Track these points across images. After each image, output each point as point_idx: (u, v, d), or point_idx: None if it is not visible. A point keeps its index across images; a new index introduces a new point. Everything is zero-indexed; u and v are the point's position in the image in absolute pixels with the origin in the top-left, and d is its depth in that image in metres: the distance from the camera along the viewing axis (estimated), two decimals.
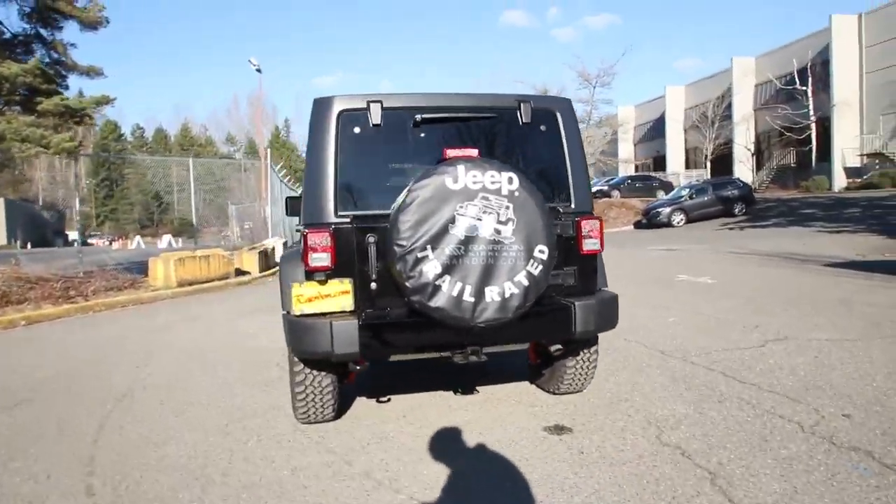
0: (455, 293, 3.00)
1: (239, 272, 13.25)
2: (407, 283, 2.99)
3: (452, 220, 3.00)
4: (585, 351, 3.85)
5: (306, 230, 3.21)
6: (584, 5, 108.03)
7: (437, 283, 2.98)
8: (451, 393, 4.28)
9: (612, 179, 33.93)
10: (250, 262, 13.98)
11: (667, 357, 5.02)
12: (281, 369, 5.23)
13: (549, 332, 3.47)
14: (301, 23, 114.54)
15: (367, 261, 3.24)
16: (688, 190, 25.83)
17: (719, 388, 4.11)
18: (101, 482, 3.08)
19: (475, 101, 3.63)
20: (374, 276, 3.24)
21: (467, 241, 3.01)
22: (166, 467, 3.24)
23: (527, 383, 4.46)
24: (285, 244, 18.39)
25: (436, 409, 4.00)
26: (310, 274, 3.22)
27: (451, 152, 3.20)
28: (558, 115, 3.62)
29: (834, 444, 3.11)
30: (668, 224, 24.38)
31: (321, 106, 3.36)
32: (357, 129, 3.34)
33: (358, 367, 3.37)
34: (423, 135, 3.44)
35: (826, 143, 32.65)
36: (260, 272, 13.87)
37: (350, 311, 3.23)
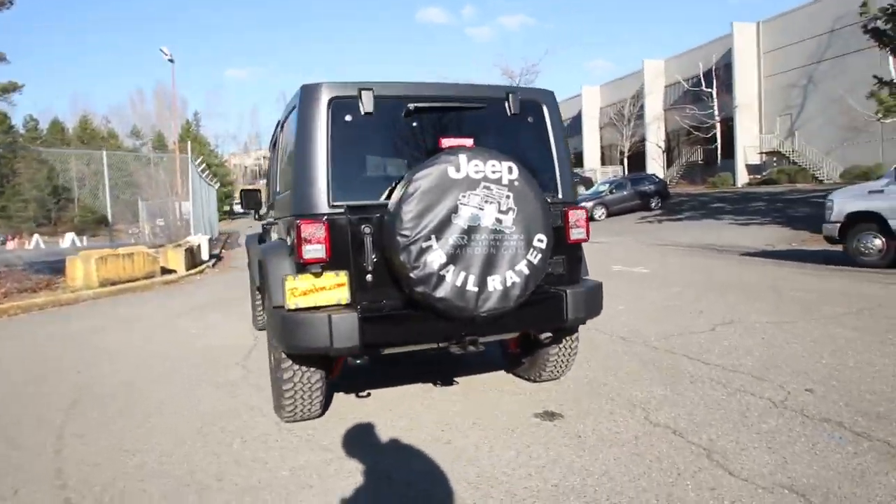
0: (459, 283, 2.99)
1: (165, 270, 12.53)
2: (411, 275, 2.94)
3: (455, 210, 2.98)
4: (568, 339, 3.93)
5: (299, 221, 3.08)
6: (498, 5, 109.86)
7: (441, 273, 2.96)
8: (430, 385, 4.26)
9: None
10: (176, 259, 13.26)
11: (629, 343, 5.22)
12: (243, 369, 5.01)
13: (543, 320, 3.51)
14: (206, 14, 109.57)
15: (363, 252, 3.15)
16: (608, 185, 26.89)
17: (687, 370, 4.32)
18: (78, 495, 2.84)
19: (465, 91, 3.62)
20: (369, 268, 3.16)
21: (470, 231, 3.00)
22: (149, 475, 3.02)
23: (502, 372, 4.50)
24: (211, 240, 17.61)
25: (420, 401, 3.96)
26: (303, 266, 3.09)
27: (446, 141, 3.17)
28: (544, 106, 3.66)
29: (807, 417, 3.35)
30: (591, 218, 25.17)
31: (310, 93, 3.23)
32: (348, 117, 3.24)
33: (358, 361, 3.27)
34: (414, 124, 3.39)
35: (730, 142, 34.98)
36: (187, 270, 13.18)
37: (345, 305, 3.13)
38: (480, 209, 3.02)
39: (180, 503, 2.73)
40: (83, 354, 5.89)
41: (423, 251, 2.93)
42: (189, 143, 23.78)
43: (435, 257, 2.94)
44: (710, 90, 35.42)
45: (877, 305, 6.25)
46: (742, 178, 34.16)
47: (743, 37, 34.01)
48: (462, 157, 3.01)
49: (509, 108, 3.55)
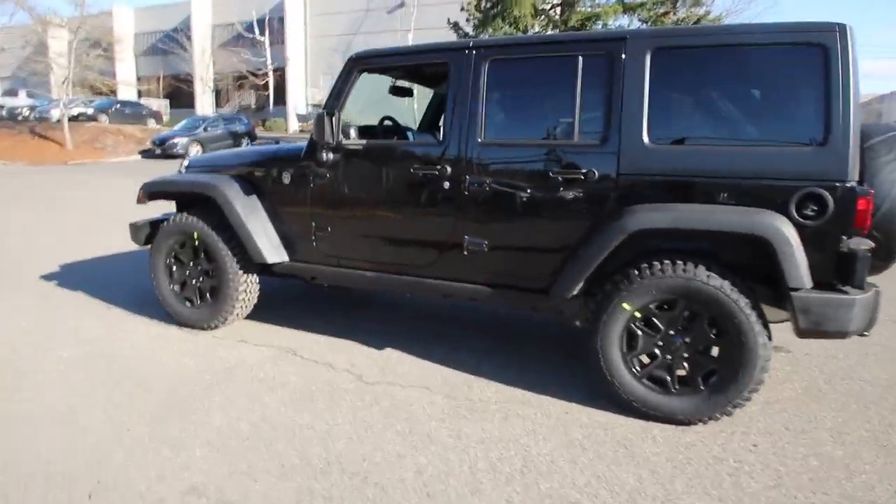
0: None
1: None
2: None
3: None
4: None
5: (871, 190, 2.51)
6: None
7: None
8: None
9: (94, 102, 27.05)
10: None
11: None
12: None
13: None
14: None
15: None
16: (203, 123, 23.87)
17: None
18: None
19: None
20: None
21: None
22: None
23: None
24: None
25: None
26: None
27: None
28: None
29: None
30: (185, 155, 22.10)
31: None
32: None
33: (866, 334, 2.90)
34: None
35: (283, 90, 35.34)
36: None
37: None
38: None
39: None
40: None
41: None
42: None
43: None
44: (262, 38, 34.59)
45: None
46: (293, 125, 35.24)
47: None
48: None
49: None
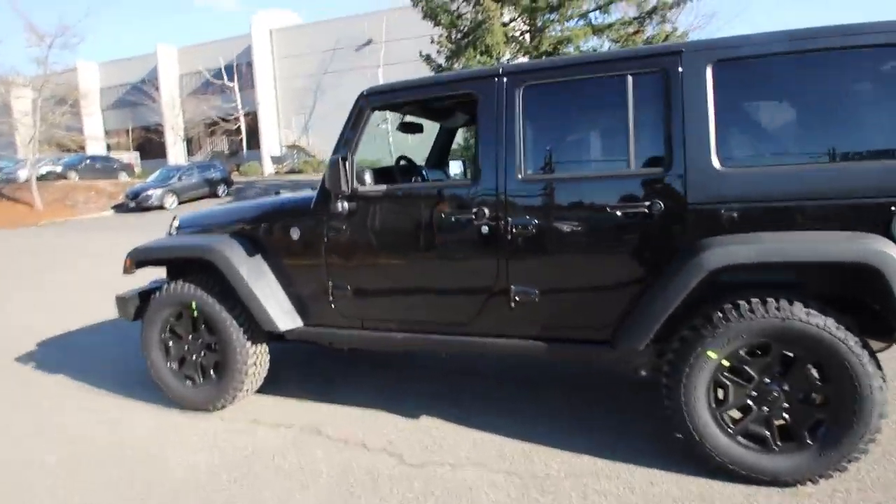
0: None
1: None
2: None
3: None
4: None
5: None
6: None
7: None
8: None
9: (63, 159, 26.24)
10: None
11: None
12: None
13: None
14: None
15: None
16: (177, 172, 23.28)
17: None
18: None
19: None
20: None
21: None
22: None
23: None
24: None
25: None
26: None
27: None
28: None
29: None
30: (161, 207, 21.47)
31: None
32: None
33: None
34: None
35: (255, 134, 34.90)
36: None
37: None
38: None
39: None
40: None
41: None
42: None
43: None
44: (231, 84, 34.28)
45: None
46: (268, 168, 34.72)
47: (260, 40, 34.12)
48: None
49: None
